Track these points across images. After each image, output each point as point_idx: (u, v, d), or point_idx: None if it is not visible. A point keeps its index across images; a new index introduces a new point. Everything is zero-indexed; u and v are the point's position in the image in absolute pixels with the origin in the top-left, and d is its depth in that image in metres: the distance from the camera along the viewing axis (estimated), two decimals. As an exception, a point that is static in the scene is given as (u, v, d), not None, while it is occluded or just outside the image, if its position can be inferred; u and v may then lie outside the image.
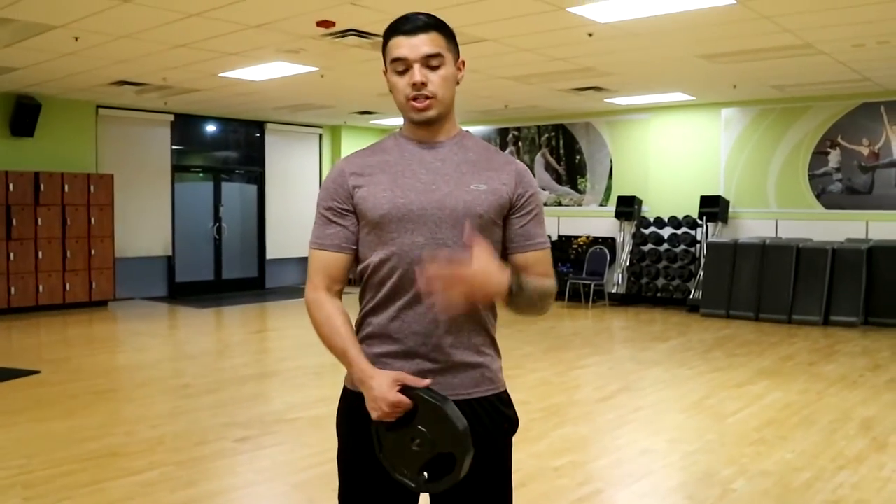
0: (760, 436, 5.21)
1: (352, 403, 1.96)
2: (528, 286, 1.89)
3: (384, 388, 1.81)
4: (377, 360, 1.91)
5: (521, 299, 1.87)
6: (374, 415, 1.83)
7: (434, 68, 1.90)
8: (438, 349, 1.90)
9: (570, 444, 4.99)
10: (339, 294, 1.99)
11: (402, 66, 1.90)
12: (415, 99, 1.90)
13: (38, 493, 4.11)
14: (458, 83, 1.98)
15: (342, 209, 1.96)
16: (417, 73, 1.88)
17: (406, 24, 1.90)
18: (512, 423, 2.00)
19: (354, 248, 1.98)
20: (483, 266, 1.77)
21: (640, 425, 5.52)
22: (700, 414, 5.83)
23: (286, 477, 4.42)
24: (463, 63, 1.99)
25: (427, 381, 1.84)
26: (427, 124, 1.95)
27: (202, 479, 4.37)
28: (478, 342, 1.95)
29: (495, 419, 1.95)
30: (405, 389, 1.82)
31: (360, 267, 1.99)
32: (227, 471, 4.54)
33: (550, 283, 2.01)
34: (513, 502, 2.01)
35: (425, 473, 1.83)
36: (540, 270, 1.99)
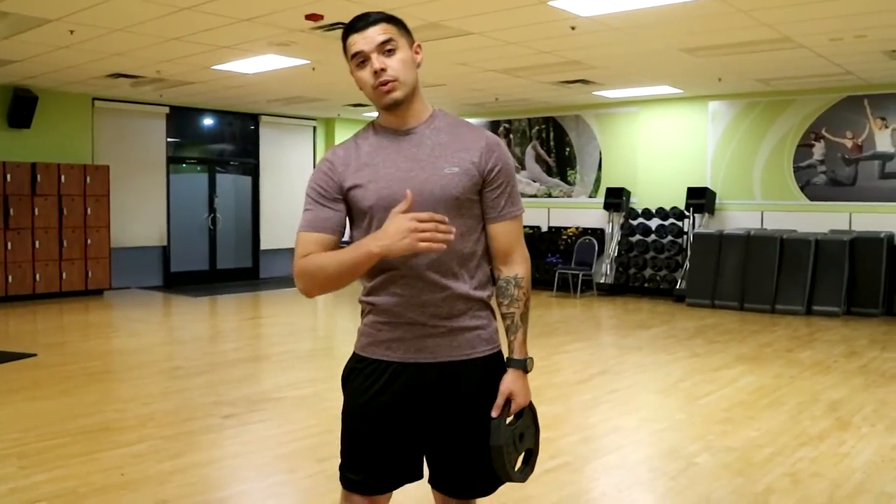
0: (729, 415, 5.41)
1: (357, 364, 2.20)
2: (521, 320, 2.21)
3: (397, 218, 1.94)
4: (382, 327, 2.13)
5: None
6: (407, 244, 1.92)
7: (390, 53, 2.05)
8: (437, 317, 2.10)
9: (543, 422, 5.10)
10: None
11: (362, 58, 2.06)
12: (380, 85, 2.05)
13: (33, 462, 4.32)
14: (418, 66, 2.13)
15: (334, 198, 2.12)
16: (375, 60, 2.04)
17: (358, 23, 2.07)
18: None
19: (342, 231, 2.14)
20: (515, 399, 2.17)
21: (613, 405, 5.73)
22: (673, 395, 6.03)
23: (269, 450, 4.62)
24: (419, 47, 2.14)
25: (409, 195, 1.98)
26: (396, 107, 2.09)
27: (189, 450, 4.57)
28: (473, 307, 2.15)
29: (491, 376, 2.18)
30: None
31: None
32: (213, 444, 4.74)
33: (524, 276, 2.21)
34: None
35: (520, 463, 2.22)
36: (509, 242, 2.19)
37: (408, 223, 1.91)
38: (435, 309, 2.09)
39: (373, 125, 2.20)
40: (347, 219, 2.17)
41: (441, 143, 2.13)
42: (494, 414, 2.14)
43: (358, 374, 2.18)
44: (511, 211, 2.18)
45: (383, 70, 2.04)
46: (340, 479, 2.21)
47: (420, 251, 1.95)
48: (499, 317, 2.23)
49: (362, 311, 2.21)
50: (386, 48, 2.05)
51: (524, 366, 2.18)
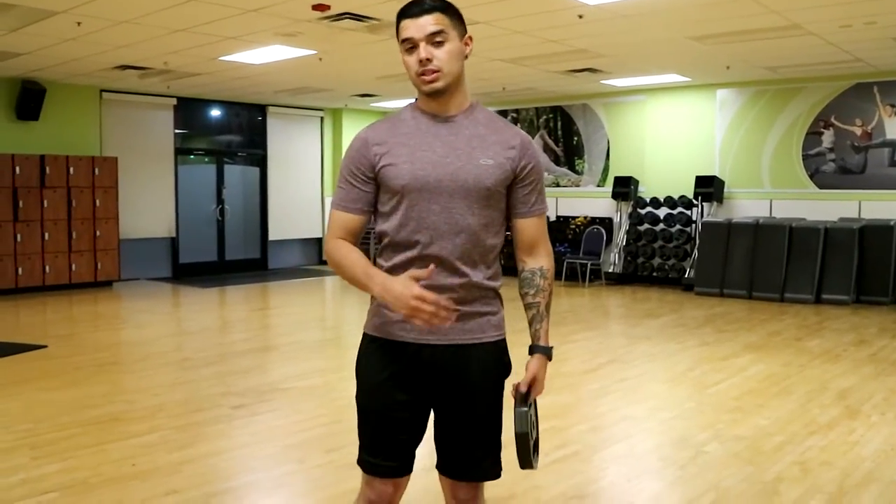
0: (738, 404, 5.40)
1: (370, 345, 2.25)
2: (546, 310, 2.26)
3: (407, 285, 1.99)
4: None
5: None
6: (403, 311, 2.00)
7: (439, 44, 2.10)
8: (451, 302, 2.10)
9: (551, 412, 5.18)
10: (354, 245, 2.24)
11: (411, 44, 2.11)
12: (423, 73, 2.11)
13: (45, 452, 4.35)
14: (466, 57, 2.18)
15: (365, 176, 2.19)
16: (423, 50, 2.09)
17: (413, 8, 2.12)
18: (507, 367, 2.28)
19: (372, 210, 2.22)
20: (537, 385, 2.21)
21: (622, 394, 5.72)
22: (682, 384, 6.03)
23: (279, 440, 4.62)
24: (470, 38, 2.19)
25: (431, 268, 2.05)
26: (437, 95, 2.15)
27: (199, 441, 4.59)
28: (486, 296, 2.22)
29: (496, 361, 2.24)
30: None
31: (378, 229, 2.22)
32: (223, 434, 4.75)
33: (550, 268, 2.30)
34: (501, 429, 2.28)
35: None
36: (535, 235, 2.28)
37: (412, 300, 1.96)
38: (450, 294, 2.12)
39: (412, 107, 2.24)
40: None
41: (479, 134, 2.18)
42: (521, 399, 2.18)
43: (372, 355, 2.23)
44: (540, 207, 2.27)
45: (428, 60, 2.09)
46: (360, 463, 2.25)
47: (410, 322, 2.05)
48: (518, 306, 2.27)
49: None
50: (435, 39, 2.09)
51: (550, 353, 2.24)
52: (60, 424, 4.88)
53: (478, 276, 2.17)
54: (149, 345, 7.70)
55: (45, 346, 7.34)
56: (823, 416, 5.11)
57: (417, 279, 2.00)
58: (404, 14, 2.13)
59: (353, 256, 2.15)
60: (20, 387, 5.90)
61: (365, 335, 2.27)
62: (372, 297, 2.23)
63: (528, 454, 2.15)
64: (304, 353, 7.21)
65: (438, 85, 2.11)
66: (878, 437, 4.66)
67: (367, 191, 2.19)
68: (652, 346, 7.50)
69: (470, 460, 2.22)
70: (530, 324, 2.26)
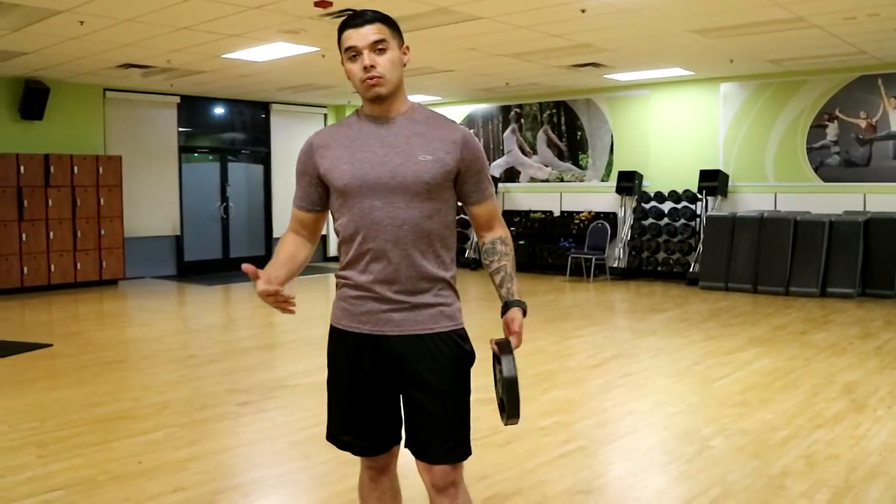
0: (743, 398, 5.39)
1: (335, 336, 2.40)
2: (513, 272, 2.40)
3: (258, 283, 2.22)
4: (354, 301, 2.32)
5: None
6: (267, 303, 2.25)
7: (381, 52, 2.23)
8: (402, 293, 2.27)
9: (557, 407, 5.19)
10: (307, 237, 2.48)
11: (354, 52, 2.24)
12: (367, 80, 2.23)
13: (51, 451, 4.36)
14: (404, 65, 2.31)
15: (310, 177, 2.39)
16: (367, 57, 2.22)
17: (355, 20, 2.25)
18: (468, 355, 2.35)
19: (318, 208, 2.43)
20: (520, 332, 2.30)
21: (627, 389, 5.72)
22: (687, 379, 6.02)
23: (285, 436, 4.64)
24: (407, 48, 2.32)
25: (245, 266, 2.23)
26: (380, 101, 2.27)
27: (204, 438, 4.61)
28: (435, 287, 2.31)
29: (455, 349, 2.32)
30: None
31: (334, 227, 2.37)
32: (229, 431, 4.76)
33: (507, 237, 2.46)
34: (470, 423, 2.35)
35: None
36: (490, 215, 2.44)
37: (261, 297, 2.21)
38: (401, 286, 2.26)
39: (357, 113, 2.38)
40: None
41: (418, 132, 2.30)
42: (505, 349, 2.24)
43: (336, 345, 2.39)
44: (490, 192, 2.43)
45: (373, 67, 2.22)
46: (332, 440, 2.41)
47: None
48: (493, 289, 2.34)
49: (337, 285, 2.40)
50: (378, 47, 2.22)
51: (525, 308, 2.36)
52: (66, 423, 4.89)
53: (427, 265, 2.27)
54: (154, 343, 7.72)
55: (50, 345, 7.36)
56: (829, 409, 5.10)
57: (251, 272, 2.20)
58: (347, 25, 2.25)
59: (278, 249, 2.43)
60: (26, 385, 5.92)
61: (331, 326, 2.40)
62: (337, 289, 2.39)
63: (518, 401, 2.20)
64: (309, 349, 7.22)
65: (382, 91, 2.23)
66: (884, 430, 4.65)
67: (311, 191, 2.39)
68: (657, 340, 7.50)
69: (433, 443, 2.27)
70: (500, 286, 2.38)
